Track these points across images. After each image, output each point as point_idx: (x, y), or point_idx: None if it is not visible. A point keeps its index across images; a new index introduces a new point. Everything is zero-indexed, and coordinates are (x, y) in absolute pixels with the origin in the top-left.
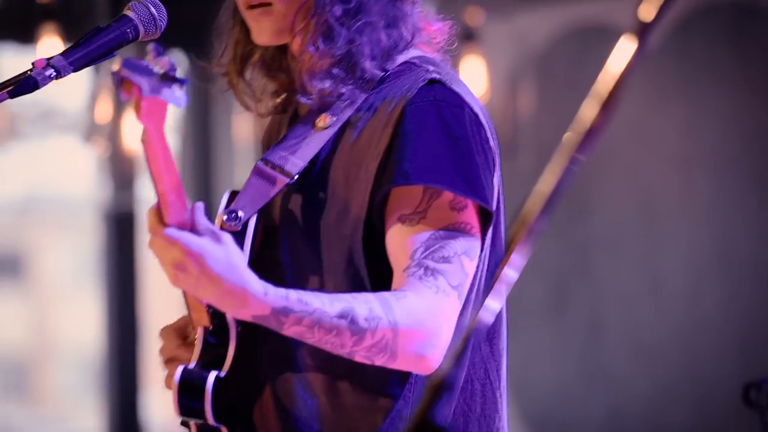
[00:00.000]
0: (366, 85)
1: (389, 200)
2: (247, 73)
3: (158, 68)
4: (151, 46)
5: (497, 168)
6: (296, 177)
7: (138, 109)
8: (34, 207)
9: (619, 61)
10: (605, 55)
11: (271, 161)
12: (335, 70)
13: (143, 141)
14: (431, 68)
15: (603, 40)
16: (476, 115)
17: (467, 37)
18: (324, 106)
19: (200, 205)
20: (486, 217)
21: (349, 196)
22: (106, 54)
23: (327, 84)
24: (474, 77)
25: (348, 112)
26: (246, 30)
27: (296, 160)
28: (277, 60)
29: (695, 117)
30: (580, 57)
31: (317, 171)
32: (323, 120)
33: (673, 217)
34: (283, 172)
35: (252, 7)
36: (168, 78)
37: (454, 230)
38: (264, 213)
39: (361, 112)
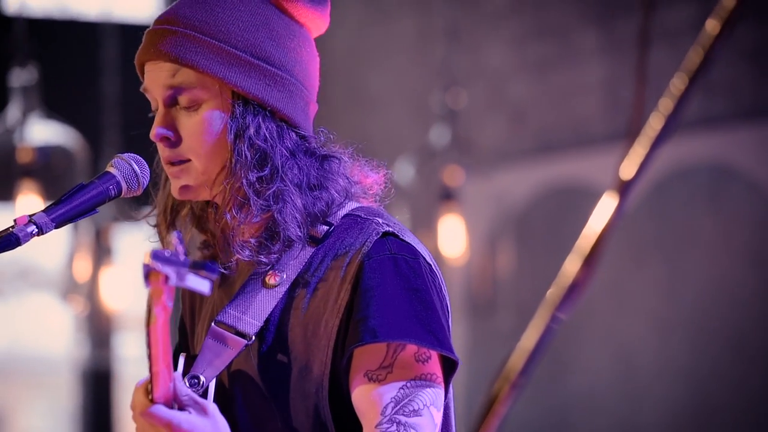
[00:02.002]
0: (309, 243)
1: (354, 357)
2: (177, 226)
3: (186, 256)
4: (174, 234)
5: (450, 315)
6: (253, 338)
7: (158, 297)
8: (11, 365)
9: (600, 218)
10: (583, 214)
11: (225, 322)
12: (253, 240)
13: (150, 325)
14: (380, 220)
15: (580, 199)
16: (430, 265)
17: (446, 196)
18: (267, 265)
19: (179, 375)
20: (449, 366)
21: (309, 353)
22: (88, 210)
23: (245, 252)
24: (453, 236)
25: (297, 269)
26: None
27: (251, 320)
28: (206, 212)
29: (673, 278)
30: (558, 216)
31: (273, 330)
32: (272, 278)
33: (650, 377)
34: (238, 333)
35: (172, 163)
36: (197, 266)
37: (421, 382)
38: (221, 375)
39: (312, 268)
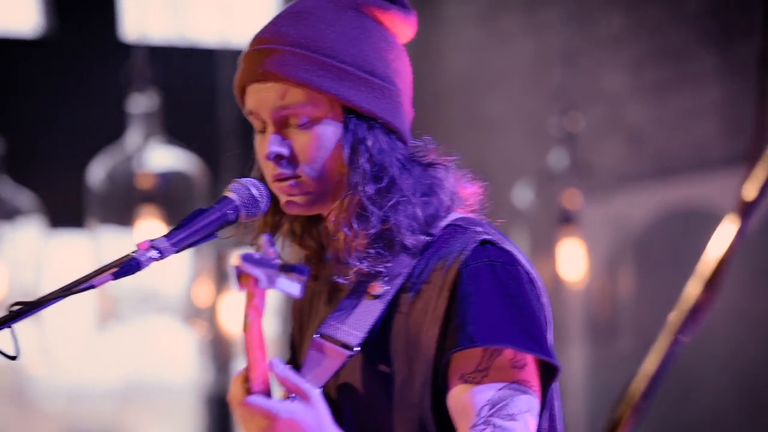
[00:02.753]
0: (412, 253)
1: (451, 362)
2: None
3: (276, 259)
4: (264, 237)
5: (550, 326)
6: (356, 349)
7: (251, 300)
8: (134, 390)
9: (721, 241)
10: (703, 237)
11: (329, 335)
12: (372, 250)
13: (245, 329)
14: (479, 229)
15: (700, 222)
16: (529, 273)
17: (565, 219)
18: (372, 276)
19: (280, 362)
20: (549, 372)
21: (411, 364)
22: (208, 235)
23: (365, 264)
24: (572, 260)
25: (399, 280)
26: (275, 199)
27: (354, 332)
28: (307, 228)
29: None
30: (678, 239)
31: (376, 341)
32: (375, 289)
33: None
34: (342, 344)
35: (280, 180)
36: (287, 269)
37: (518, 387)
38: (326, 386)
39: (413, 279)
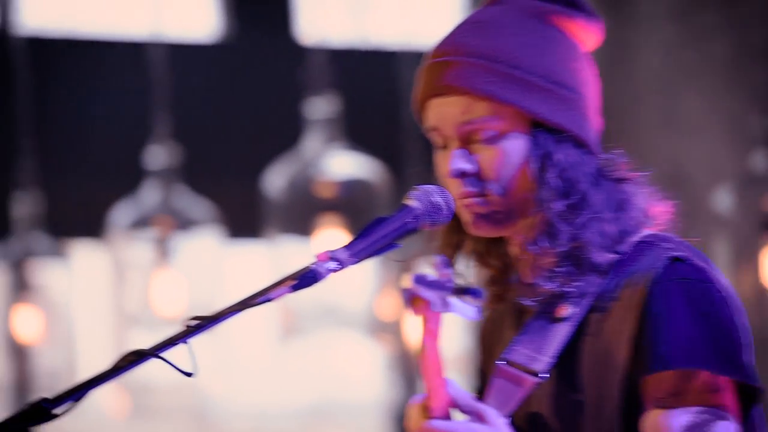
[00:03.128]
0: (601, 272)
1: (643, 386)
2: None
3: (450, 281)
4: (437, 259)
5: (750, 347)
6: (544, 375)
7: (425, 324)
8: (318, 411)
9: None
10: None
11: (514, 360)
12: (561, 269)
13: (422, 350)
14: (670, 245)
15: None
16: (723, 291)
17: (767, 226)
18: (559, 297)
19: (455, 383)
20: (750, 395)
21: (602, 389)
22: (388, 245)
23: (553, 284)
24: None
25: (587, 301)
26: (458, 218)
27: (541, 357)
28: (491, 248)
29: None
30: None
31: (564, 366)
32: (562, 311)
33: None
34: (528, 371)
35: (467, 197)
36: (462, 291)
37: (715, 412)
38: (513, 415)
39: (602, 299)
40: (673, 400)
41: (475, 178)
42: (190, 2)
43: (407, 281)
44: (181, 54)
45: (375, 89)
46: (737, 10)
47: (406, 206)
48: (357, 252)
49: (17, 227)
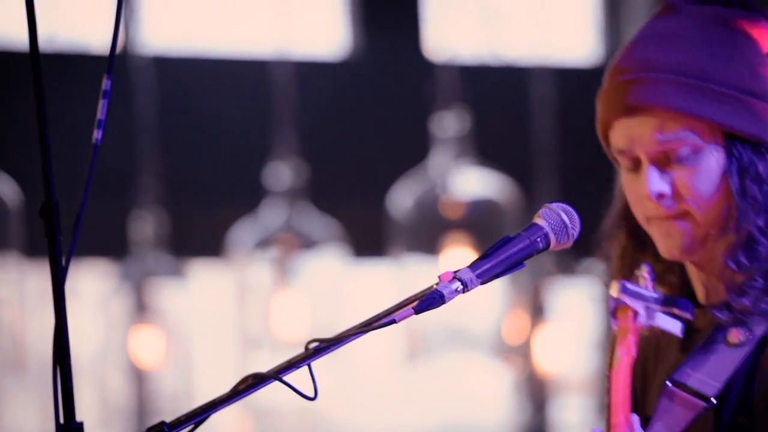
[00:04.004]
0: None
1: None
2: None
3: (658, 293)
4: (644, 267)
5: None
6: (713, 401)
7: (624, 336)
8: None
9: None
10: None
11: (683, 383)
12: (756, 285)
13: (611, 368)
14: None
15: None
16: None
17: None
18: (734, 320)
19: (636, 419)
20: None
21: None
22: (515, 265)
23: (748, 300)
24: None
25: (763, 325)
26: (635, 239)
27: (711, 382)
28: (669, 265)
29: None
30: None
31: (735, 393)
32: (736, 336)
33: None
34: (698, 395)
35: (667, 219)
36: (669, 303)
37: None
38: None
39: None
40: None
41: (673, 200)
42: (317, 18)
43: (615, 290)
44: (307, 71)
45: (505, 105)
46: None
47: (534, 225)
48: (482, 272)
49: (137, 247)
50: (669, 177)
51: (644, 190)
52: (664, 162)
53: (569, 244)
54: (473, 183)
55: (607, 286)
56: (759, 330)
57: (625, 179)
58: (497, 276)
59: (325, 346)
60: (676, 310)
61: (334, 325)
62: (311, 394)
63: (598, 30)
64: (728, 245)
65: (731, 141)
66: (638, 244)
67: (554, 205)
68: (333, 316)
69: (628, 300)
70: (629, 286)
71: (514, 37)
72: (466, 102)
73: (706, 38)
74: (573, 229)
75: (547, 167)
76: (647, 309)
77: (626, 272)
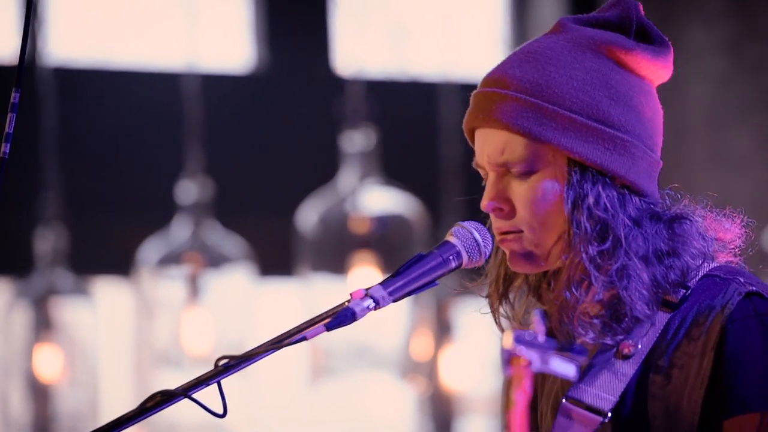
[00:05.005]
0: (666, 307)
1: (722, 430)
2: (510, 297)
3: (551, 340)
4: (536, 313)
5: None
6: (609, 415)
7: (519, 382)
8: None
9: None
10: None
11: (577, 398)
12: (596, 320)
13: (509, 408)
14: (741, 279)
15: None
16: None
17: None
18: (614, 345)
19: None
20: None
21: (673, 429)
22: (427, 283)
23: (589, 335)
24: None
25: (653, 337)
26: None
27: (605, 395)
28: (545, 280)
29: None
30: None
31: (630, 406)
32: (626, 348)
33: None
34: (592, 410)
35: (501, 233)
36: (563, 349)
37: None
38: None
39: (669, 336)
40: None
41: (509, 215)
42: (224, 32)
43: (508, 341)
44: (214, 85)
45: (413, 122)
46: None
47: (446, 242)
48: (394, 290)
49: (40, 263)
50: (508, 193)
51: (483, 202)
52: (507, 177)
53: (482, 261)
54: (381, 200)
55: (484, 296)
56: (649, 340)
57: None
58: (409, 294)
59: (235, 363)
60: (570, 355)
61: (241, 343)
62: (221, 412)
63: (506, 47)
64: (565, 273)
65: (574, 167)
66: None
67: (466, 224)
68: (241, 334)
69: (522, 351)
70: (522, 335)
71: (423, 53)
72: (375, 118)
73: (570, 61)
74: (485, 247)
75: (454, 185)
76: (542, 357)
77: (502, 283)
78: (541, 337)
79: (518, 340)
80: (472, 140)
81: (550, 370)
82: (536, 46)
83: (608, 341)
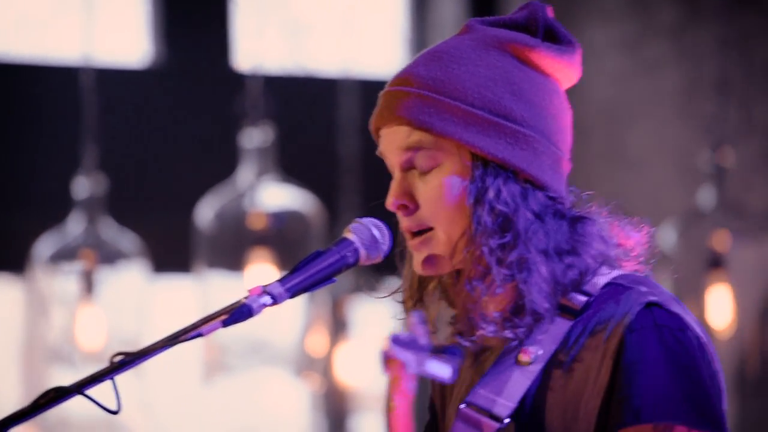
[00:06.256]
0: (567, 314)
1: None
2: (425, 301)
3: (427, 341)
4: (414, 315)
5: (724, 394)
6: (506, 421)
7: (396, 385)
8: None
9: None
10: None
11: (476, 404)
12: (497, 314)
13: (390, 411)
14: (644, 289)
15: None
16: (699, 338)
17: (714, 263)
18: (522, 339)
19: None
20: None
21: None
22: (325, 279)
23: (489, 328)
24: (721, 307)
25: (553, 344)
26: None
27: (504, 401)
28: (456, 283)
29: None
30: None
31: (528, 412)
32: (526, 354)
33: None
34: (491, 416)
35: (413, 234)
36: (439, 350)
37: None
38: None
39: (570, 344)
40: None
41: (414, 212)
42: (122, 26)
43: (385, 343)
44: (111, 80)
45: (312, 118)
46: (688, 42)
47: (344, 239)
48: (292, 286)
49: None
50: (412, 190)
51: (388, 200)
52: (411, 174)
53: (380, 258)
54: (279, 197)
55: (399, 302)
56: (550, 347)
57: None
58: (307, 290)
59: (130, 359)
60: (446, 357)
61: (136, 340)
62: (115, 408)
63: (406, 44)
64: (467, 267)
65: (476, 162)
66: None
67: (365, 220)
68: (136, 330)
69: (397, 353)
70: (399, 337)
71: (322, 50)
72: (274, 115)
73: (474, 59)
74: (383, 244)
75: (352, 182)
76: (418, 359)
77: (416, 288)
78: (419, 339)
79: (394, 341)
80: (378, 140)
81: (426, 372)
82: (443, 46)
83: (509, 335)
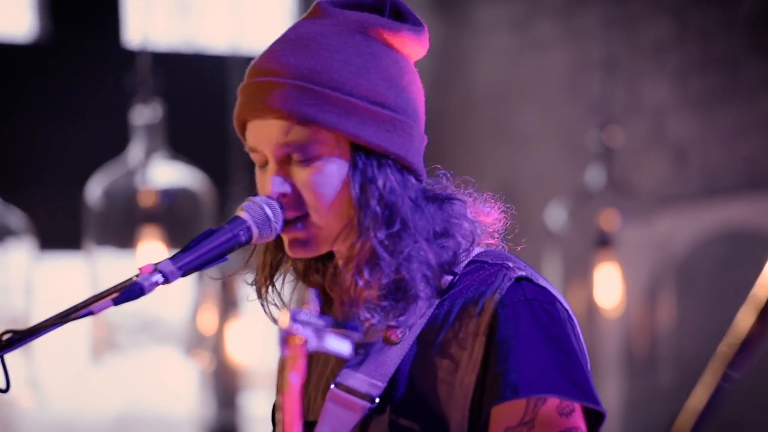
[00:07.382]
0: (434, 293)
1: (493, 414)
2: (277, 282)
3: (326, 317)
4: (311, 292)
5: (588, 364)
6: (377, 400)
7: (294, 362)
8: (132, 424)
9: None
10: (755, 262)
11: (345, 384)
12: (385, 302)
13: (284, 391)
14: (510, 264)
15: (751, 245)
16: (567, 311)
17: (602, 242)
18: (399, 326)
19: None
20: (595, 418)
21: (443, 414)
22: (217, 258)
23: (375, 317)
24: (609, 286)
25: (420, 323)
26: (278, 237)
27: (375, 382)
28: (312, 265)
29: None
30: (726, 264)
31: (400, 391)
32: (394, 334)
33: None
34: (361, 396)
35: (290, 221)
36: (338, 326)
37: None
38: None
39: (438, 322)
40: (525, 428)
41: (294, 200)
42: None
43: (284, 321)
44: None
45: (202, 95)
46: (575, 22)
47: (236, 218)
48: (183, 265)
49: None
50: (291, 181)
51: (268, 189)
52: (289, 164)
53: (272, 237)
54: (169, 174)
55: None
56: (418, 325)
57: (258, 176)
58: (199, 268)
59: (19, 337)
60: (345, 332)
61: (24, 319)
62: (2, 386)
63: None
64: (354, 257)
65: (357, 151)
66: (280, 241)
67: (257, 199)
68: (22, 309)
69: (298, 329)
70: (298, 314)
71: (212, 26)
72: (163, 92)
73: (342, 46)
74: (276, 222)
75: (243, 159)
76: (318, 335)
77: (269, 269)
78: (317, 316)
79: (294, 318)
80: (243, 132)
81: (326, 348)
82: (303, 32)
83: (393, 323)
